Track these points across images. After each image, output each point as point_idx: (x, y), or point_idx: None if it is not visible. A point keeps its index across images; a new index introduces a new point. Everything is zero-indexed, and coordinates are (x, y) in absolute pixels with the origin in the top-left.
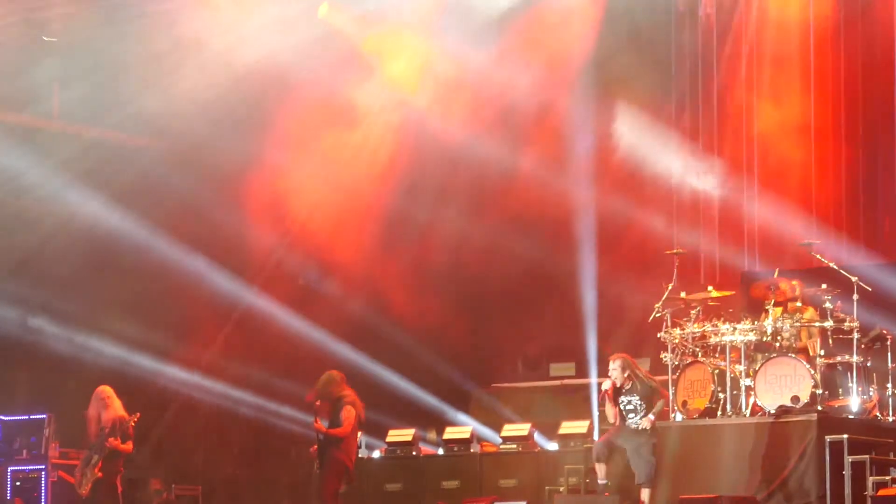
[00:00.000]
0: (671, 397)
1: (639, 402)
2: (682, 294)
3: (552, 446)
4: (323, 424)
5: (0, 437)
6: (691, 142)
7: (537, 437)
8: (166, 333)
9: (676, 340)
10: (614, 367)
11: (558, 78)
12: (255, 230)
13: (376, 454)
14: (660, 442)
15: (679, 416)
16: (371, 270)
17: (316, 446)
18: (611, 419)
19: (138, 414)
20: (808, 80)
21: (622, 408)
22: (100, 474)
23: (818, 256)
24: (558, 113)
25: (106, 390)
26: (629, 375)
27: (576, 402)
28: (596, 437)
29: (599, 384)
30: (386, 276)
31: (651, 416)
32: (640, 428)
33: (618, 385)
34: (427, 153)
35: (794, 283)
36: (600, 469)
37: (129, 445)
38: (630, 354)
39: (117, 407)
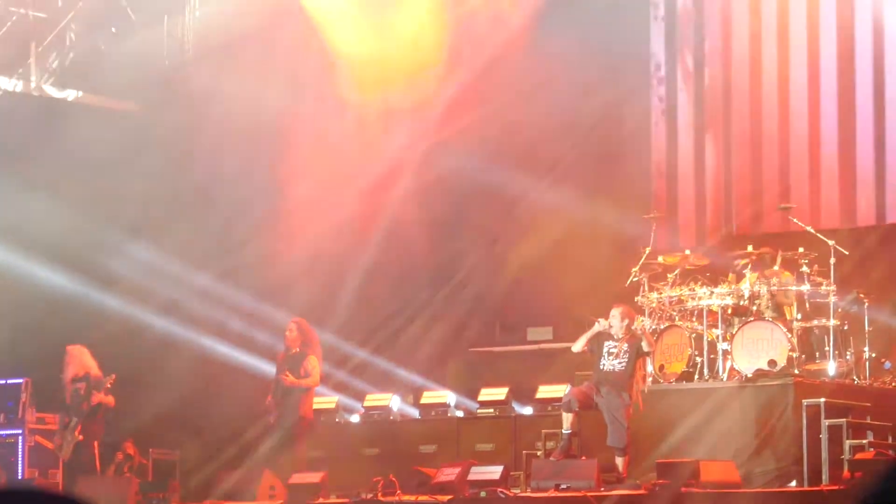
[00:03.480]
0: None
1: (623, 351)
2: (660, 258)
3: (529, 410)
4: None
5: None
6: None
7: (514, 401)
8: None
9: (654, 304)
10: (614, 314)
11: None
12: None
13: (354, 418)
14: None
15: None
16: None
17: (270, 397)
18: (575, 347)
19: (114, 375)
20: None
21: (606, 350)
22: (80, 437)
23: (795, 220)
24: None
25: (78, 349)
26: (626, 326)
27: (553, 366)
28: None
29: (595, 319)
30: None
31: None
32: (615, 371)
33: (612, 332)
34: None
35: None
36: (567, 419)
37: (110, 398)
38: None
39: (91, 365)
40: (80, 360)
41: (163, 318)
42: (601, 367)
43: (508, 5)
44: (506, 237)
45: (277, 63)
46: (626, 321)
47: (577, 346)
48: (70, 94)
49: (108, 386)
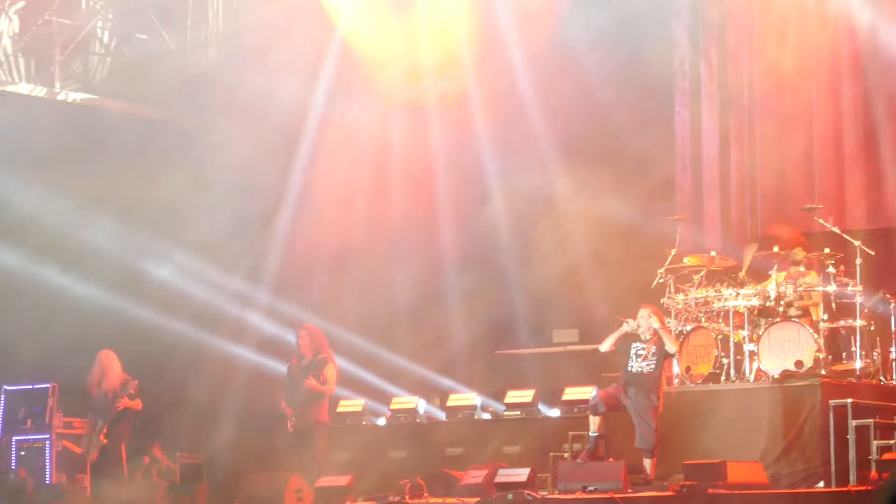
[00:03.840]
0: (674, 363)
1: (652, 353)
2: (685, 259)
3: (556, 413)
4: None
5: (4, 407)
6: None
7: (541, 403)
8: None
9: (680, 306)
10: (642, 314)
11: None
12: None
13: (381, 421)
14: (663, 408)
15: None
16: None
17: (284, 403)
18: (602, 347)
19: (137, 380)
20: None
21: (634, 351)
22: (105, 441)
23: (820, 221)
24: None
25: (106, 354)
26: (653, 328)
27: (580, 368)
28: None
29: (623, 320)
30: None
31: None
32: (643, 373)
33: (639, 333)
34: None
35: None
36: (594, 422)
37: (137, 402)
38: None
39: (118, 370)
40: (109, 364)
41: (191, 322)
42: (629, 368)
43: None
44: (532, 238)
45: (301, 61)
46: (654, 322)
47: (605, 345)
48: (94, 100)
49: (132, 391)
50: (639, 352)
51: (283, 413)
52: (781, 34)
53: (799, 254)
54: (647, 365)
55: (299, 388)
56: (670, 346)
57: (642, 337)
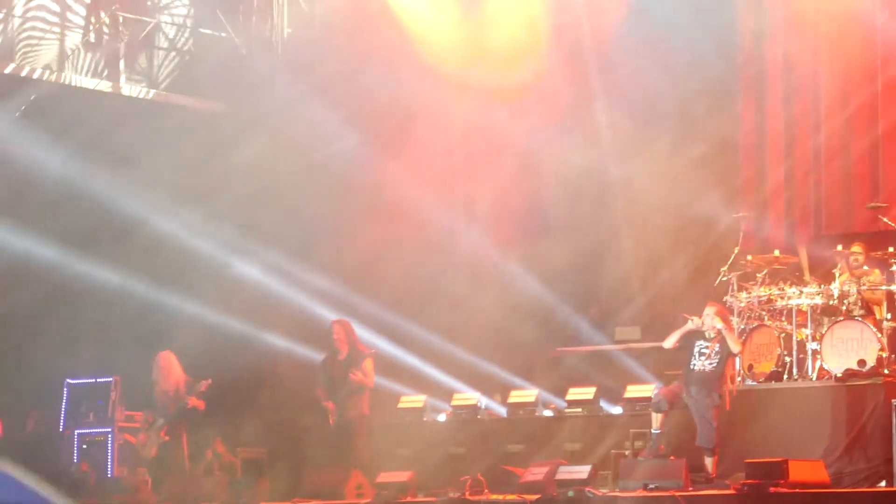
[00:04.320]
0: (737, 362)
1: (715, 352)
2: (749, 257)
3: (617, 410)
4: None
5: (67, 401)
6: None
7: (602, 400)
8: None
9: (743, 304)
10: (707, 312)
11: None
12: None
13: (441, 417)
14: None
15: (749, 381)
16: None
17: (321, 391)
18: (666, 343)
19: (209, 380)
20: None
21: (697, 349)
22: (166, 437)
23: (885, 219)
24: None
25: (167, 356)
26: (717, 327)
27: (641, 365)
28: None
29: (688, 317)
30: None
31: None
32: (706, 371)
33: (703, 331)
34: None
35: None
36: (656, 419)
37: (201, 402)
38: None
39: (178, 372)
40: (167, 366)
41: (244, 319)
42: (691, 366)
43: None
44: (594, 233)
45: (368, 50)
46: (717, 320)
47: (669, 342)
48: (159, 95)
49: (203, 390)
50: (702, 350)
51: (324, 408)
52: (845, 29)
53: (860, 255)
54: (710, 363)
55: (338, 382)
56: (734, 346)
57: (707, 335)
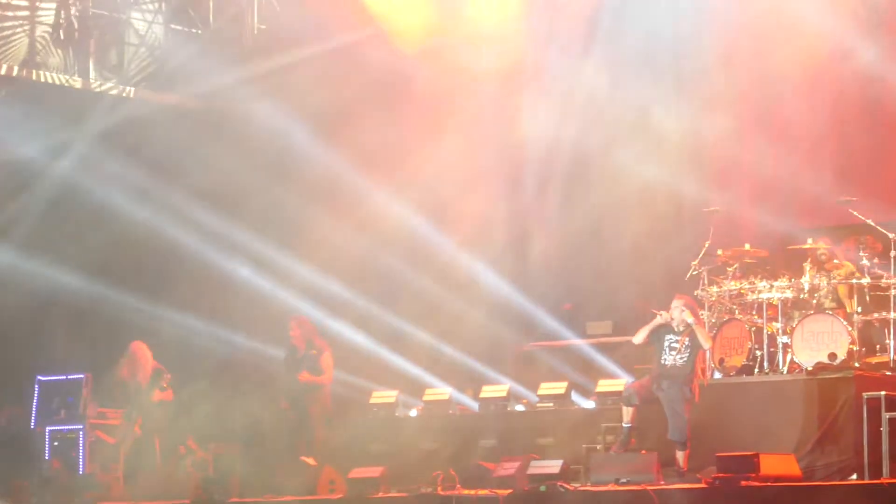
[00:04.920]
0: (707, 355)
1: (685, 346)
2: (719, 252)
3: (589, 404)
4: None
5: (38, 398)
6: None
7: (574, 395)
8: None
9: (714, 298)
10: (675, 305)
11: None
12: None
13: (413, 413)
14: (699, 398)
15: (717, 374)
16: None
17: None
18: (636, 339)
19: (169, 375)
20: None
21: (667, 344)
22: (139, 431)
23: (855, 213)
24: None
25: (139, 346)
26: (688, 321)
27: (613, 360)
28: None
29: (657, 312)
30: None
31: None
32: (677, 365)
33: (672, 325)
34: None
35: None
36: (627, 413)
37: (169, 394)
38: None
39: (150, 360)
40: (141, 356)
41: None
42: (662, 361)
43: None
44: (568, 227)
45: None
46: (688, 317)
47: (638, 337)
48: (131, 91)
49: (164, 384)
50: (672, 344)
51: (284, 407)
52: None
53: (821, 250)
54: (681, 358)
55: (295, 380)
56: (704, 343)
57: (676, 328)
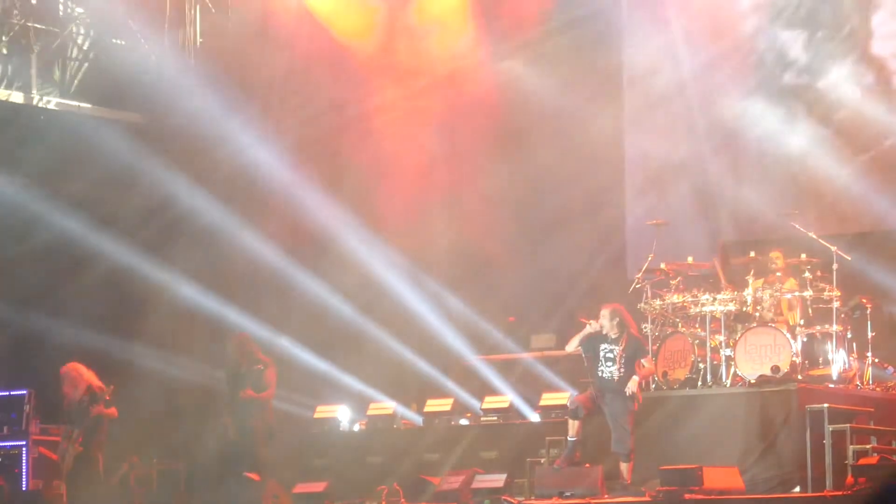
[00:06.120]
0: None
1: (622, 358)
2: (662, 265)
3: (533, 418)
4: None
5: None
6: None
7: (518, 408)
8: None
9: (657, 311)
10: (604, 314)
11: None
12: None
13: (357, 427)
14: (640, 412)
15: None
16: None
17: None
18: (568, 347)
19: (112, 386)
20: None
21: (603, 354)
22: (80, 448)
23: (796, 226)
24: None
25: (72, 367)
26: (618, 325)
27: (557, 373)
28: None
29: (586, 321)
30: None
31: (636, 378)
32: (615, 378)
33: (604, 333)
34: None
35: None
36: (572, 427)
37: (112, 410)
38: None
39: (89, 378)
40: (77, 377)
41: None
42: (599, 373)
43: None
44: (512, 240)
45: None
46: (616, 319)
47: (571, 346)
48: (72, 106)
49: (108, 398)
50: (607, 355)
51: (225, 424)
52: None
53: (778, 261)
54: (618, 370)
55: (237, 397)
56: (647, 363)
57: (610, 337)
